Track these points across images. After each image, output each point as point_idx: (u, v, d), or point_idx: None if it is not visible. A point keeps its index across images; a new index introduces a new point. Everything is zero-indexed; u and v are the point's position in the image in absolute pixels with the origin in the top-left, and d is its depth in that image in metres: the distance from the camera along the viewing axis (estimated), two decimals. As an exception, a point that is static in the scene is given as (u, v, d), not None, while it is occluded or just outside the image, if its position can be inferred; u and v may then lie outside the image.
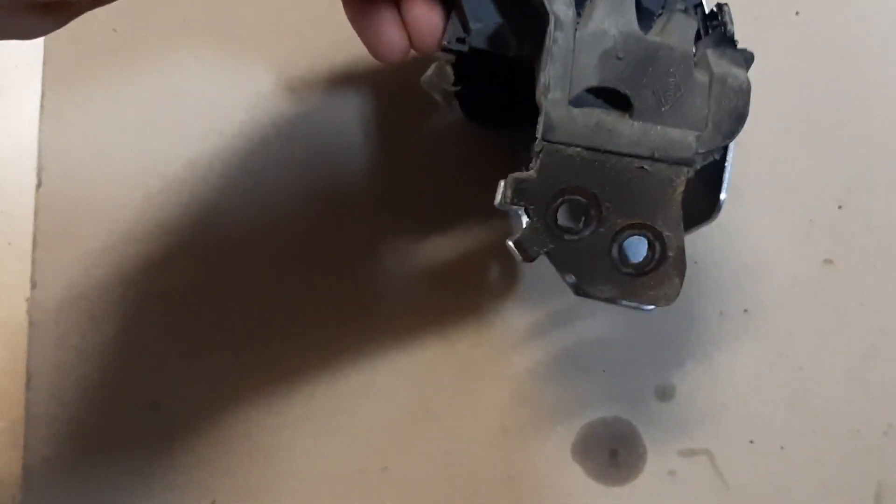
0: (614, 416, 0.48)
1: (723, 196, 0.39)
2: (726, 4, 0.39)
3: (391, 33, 0.37)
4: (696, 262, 0.50)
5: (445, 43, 0.38)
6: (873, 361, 0.49)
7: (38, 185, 0.48)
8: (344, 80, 0.49)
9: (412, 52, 0.38)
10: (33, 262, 0.47)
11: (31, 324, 0.47)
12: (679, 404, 0.48)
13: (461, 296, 0.49)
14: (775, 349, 0.49)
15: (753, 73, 0.38)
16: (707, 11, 0.39)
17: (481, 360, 0.48)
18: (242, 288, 0.48)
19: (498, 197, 0.36)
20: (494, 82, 0.45)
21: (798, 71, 0.52)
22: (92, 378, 0.47)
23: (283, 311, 0.48)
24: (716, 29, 0.39)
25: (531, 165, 0.36)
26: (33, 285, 0.47)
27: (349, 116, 0.50)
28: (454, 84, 0.46)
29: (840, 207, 0.51)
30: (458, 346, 0.48)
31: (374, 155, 0.50)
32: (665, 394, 0.48)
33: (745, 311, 0.49)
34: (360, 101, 0.50)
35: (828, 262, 0.50)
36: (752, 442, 0.48)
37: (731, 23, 0.39)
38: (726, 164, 0.39)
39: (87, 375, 0.47)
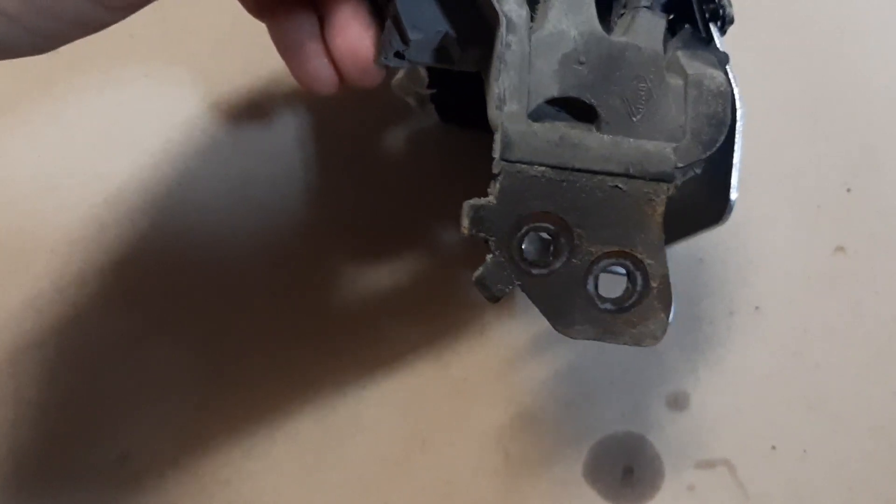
0: (626, 432, 0.45)
1: (733, 196, 0.36)
2: (724, -17, 0.35)
3: (318, 67, 0.34)
4: (701, 260, 0.46)
5: (383, 59, 0.33)
6: (891, 352, 0.47)
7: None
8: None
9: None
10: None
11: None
12: (693, 413, 0.45)
13: (452, 314, 0.45)
14: (790, 347, 0.46)
15: (748, 57, 0.35)
16: None
17: (478, 381, 0.45)
18: (211, 321, 0.44)
19: (462, 226, 0.32)
20: (472, 81, 0.42)
21: (794, 51, 0.49)
22: (54, 434, 0.43)
23: (257, 345, 0.44)
24: (709, 10, 0.36)
25: (489, 189, 0.32)
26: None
27: (316, 127, 0.46)
28: (429, 87, 0.42)
29: (849, 191, 0.48)
30: (452, 368, 0.45)
31: (346, 167, 0.46)
32: (678, 403, 0.45)
33: (757, 308, 0.46)
34: (325, 109, 0.46)
35: (839, 249, 0.47)
36: (773, 448, 0.45)
37: (730, 4, 0.35)
38: (734, 160, 0.36)
39: (49, 431, 0.43)
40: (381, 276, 0.46)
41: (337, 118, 0.47)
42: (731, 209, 0.36)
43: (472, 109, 0.44)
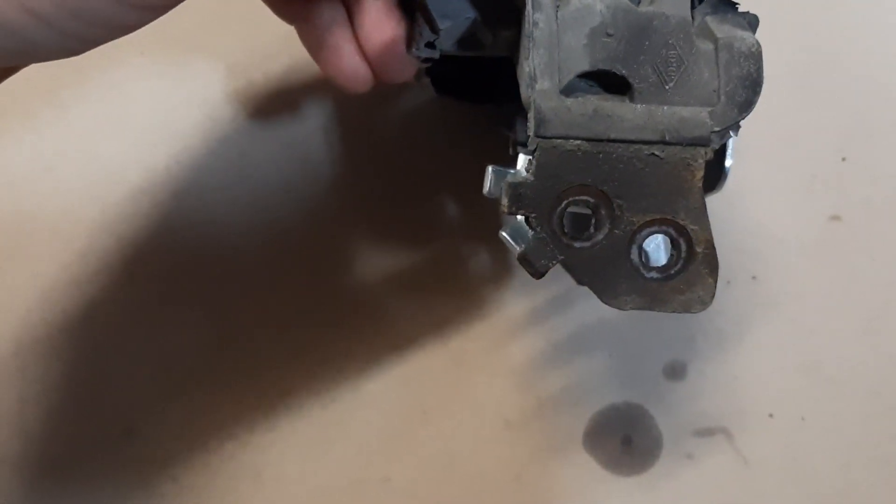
0: (624, 402, 0.45)
1: (728, 163, 0.36)
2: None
3: (353, 65, 0.34)
4: (696, 230, 0.47)
5: (415, 51, 0.34)
6: (888, 318, 0.47)
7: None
8: (300, 71, 0.46)
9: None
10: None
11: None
12: (691, 382, 0.46)
13: (451, 287, 0.46)
14: (787, 315, 0.47)
15: None
16: None
17: (478, 353, 0.45)
18: (214, 298, 0.45)
19: (486, 186, 0.33)
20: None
21: (786, 17, 0.49)
22: (60, 410, 0.43)
23: (260, 321, 0.45)
24: None
25: (526, 168, 0.32)
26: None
27: (311, 108, 0.46)
28: (424, 60, 0.42)
29: (843, 159, 0.48)
30: (452, 340, 0.45)
31: (343, 146, 0.46)
32: (675, 373, 0.46)
33: (753, 277, 0.47)
34: (321, 90, 0.47)
35: (834, 218, 0.47)
36: (771, 416, 0.45)
37: None
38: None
39: (55, 408, 0.43)
40: (380, 253, 0.46)
41: (335, 94, 0.47)
42: (725, 177, 0.37)
43: (466, 81, 0.44)
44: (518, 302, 0.46)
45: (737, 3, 0.34)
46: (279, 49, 0.46)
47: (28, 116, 0.45)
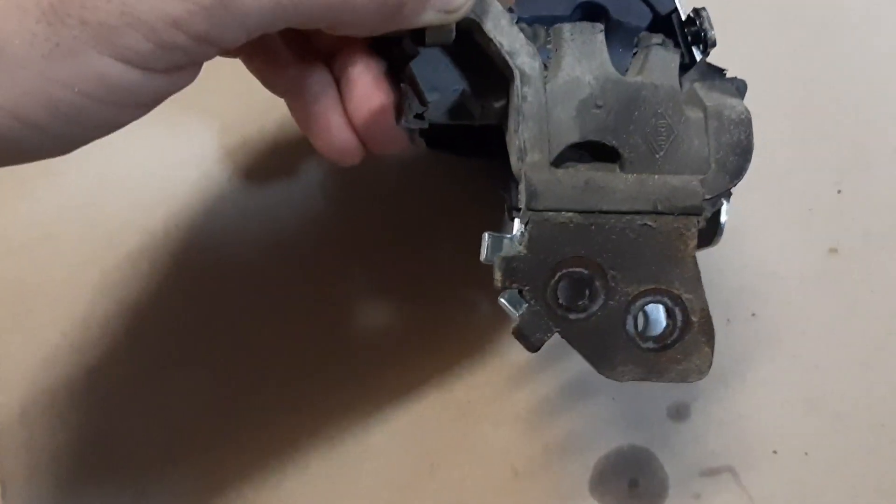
0: (630, 445, 0.45)
1: (723, 219, 0.36)
2: (704, 9, 0.35)
3: (342, 139, 0.34)
4: (695, 270, 0.47)
5: (404, 122, 0.34)
6: (889, 349, 0.47)
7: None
8: (295, 128, 0.46)
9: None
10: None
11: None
12: (695, 423, 0.46)
13: (452, 337, 0.46)
14: (788, 351, 0.47)
15: (730, 60, 0.35)
16: (683, 18, 0.36)
17: (481, 402, 0.45)
18: (217, 359, 0.45)
19: (483, 253, 0.33)
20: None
21: (777, 52, 0.49)
22: (69, 478, 0.44)
23: (263, 378, 0.45)
24: (691, 34, 0.36)
25: (519, 239, 0.32)
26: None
27: (307, 164, 0.46)
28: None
29: (839, 192, 0.48)
30: (456, 391, 0.45)
31: (340, 200, 0.47)
32: (679, 414, 0.46)
33: (753, 314, 0.47)
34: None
35: (832, 251, 0.47)
36: (775, 452, 0.46)
37: (711, 27, 0.35)
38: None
39: (63, 476, 0.44)
40: (380, 305, 0.46)
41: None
42: (721, 232, 0.37)
43: (457, 139, 0.44)
44: (520, 349, 0.45)
45: (724, 70, 0.34)
46: (273, 105, 0.46)
47: (23, 184, 0.46)
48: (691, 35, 0.36)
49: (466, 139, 0.44)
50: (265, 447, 0.45)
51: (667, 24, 0.36)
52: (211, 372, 0.45)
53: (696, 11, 0.35)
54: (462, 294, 0.46)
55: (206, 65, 0.30)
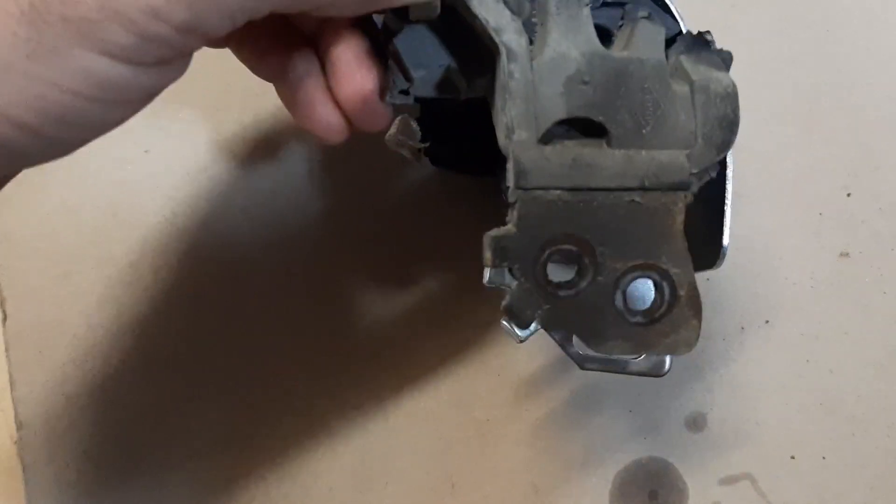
0: (648, 456, 0.46)
1: (725, 242, 0.36)
2: (709, 32, 0.35)
3: (326, 115, 0.34)
4: (707, 279, 0.47)
5: (389, 99, 0.34)
6: (904, 349, 0.47)
7: (4, 318, 0.45)
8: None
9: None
10: (14, 402, 0.44)
11: (25, 467, 0.44)
12: (712, 431, 0.46)
13: (470, 356, 0.46)
14: (802, 356, 0.47)
15: (734, 67, 0.35)
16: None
17: (500, 421, 0.46)
18: (234, 385, 0.46)
19: (485, 259, 0.33)
20: (465, 128, 0.42)
21: (781, 57, 0.49)
22: (92, 479, 0.44)
23: (282, 407, 0.46)
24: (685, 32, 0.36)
25: (508, 218, 0.32)
26: (19, 426, 0.44)
27: (323, 168, 0.47)
28: (422, 140, 0.43)
29: (848, 195, 0.48)
30: (475, 410, 0.46)
31: (352, 220, 0.47)
32: (696, 423, 0.46)
33: (767, 321, 0.47)
34: (330, 150, 0.47)
35: (843, 255, 0.48)
36: (792, 457, 0.46)
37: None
38: (726, 207, 0.36)
39: (86, 476, 0.44)
40: (398, 325, 0.47)
41: (343, 165, 0.47)
42: (724, 255, 0.37)
43: (462, 158, 0.44)
44: (536, 366, 0.46)
45: (710, 41, 0.34)
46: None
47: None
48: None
49: (471, 157, 0.44)
50: (287, 473, 0.45)
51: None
52: (227, 401, 0.46)
53: (701, 35, 0.35)
54: (478, 313, 0.47)
55: (198, 56, 0.30)
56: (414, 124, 0.42)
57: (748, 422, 0.46)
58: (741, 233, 0.47)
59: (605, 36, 0.36)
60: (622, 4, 0.35)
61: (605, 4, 0.35)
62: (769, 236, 0.48)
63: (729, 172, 0.36)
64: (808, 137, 0.48)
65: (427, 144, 0.42)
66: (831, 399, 0.47)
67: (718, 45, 0.35)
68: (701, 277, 0.47)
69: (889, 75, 0.49)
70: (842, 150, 0.48)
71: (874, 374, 0.47)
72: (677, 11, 0.36)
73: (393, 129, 0.43)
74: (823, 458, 0.46)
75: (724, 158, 0.35)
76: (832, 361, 0.47)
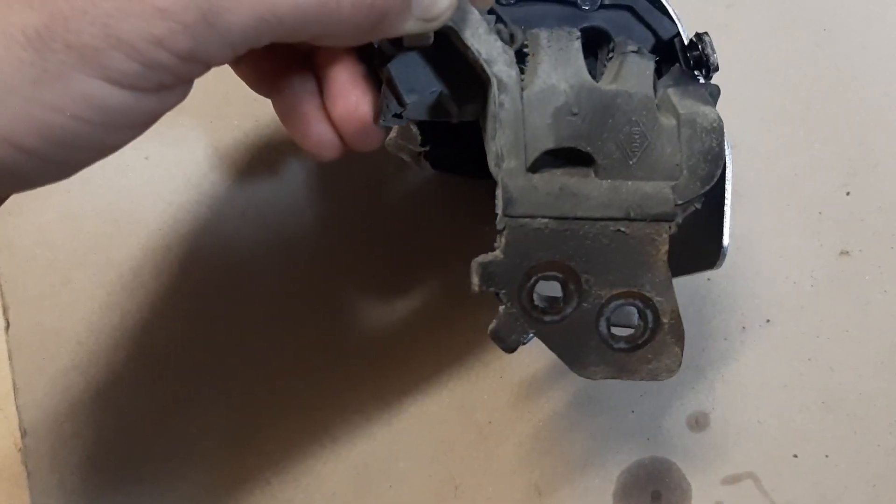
0: (651, 457, 0.46)
1: (725, 242, 0.36)
2: (706, 34, 0.35)
3: (320, 133, 0.34)
4: (708, 279, 0.47)
5: (382, 122, 0.34)
6: (905, 346, 0.47)
7: (7, 326, 0.45)
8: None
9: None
10: (18, 409, 0.44)
11: (30, 474, 0.44)
12: (715, 431, 0.46)
13: (471, 360, 0.46)
14: (803, 354, 0.47)
15: (732, 66, 0.35)
16: (686, 42, 0.36)
17: (502, 423, 0.46)
18: (237, 390, 0.46)
19: (473, 284, 0.33)
20: (465, 132, 0.42)
21: (778, 56, 0.49)
22: (94, 480, 0.45)
23: (286, 412, 0.46)
24: (693, 58, 0.36)
25: (495, 244, 0.33)
26: (23, 433, 0.44)
27: (322, 177, 0.47)
28: (421, 144, 0.43)
29: (848, 193, 0.48)
30: (477, 413, 0.46)
31: (353, 224, 0.47)
32: (699, 423, 0.46)
33: (768, 320, 0.47)
34: (328, 164, 0.47)
35: (843, 253, 0.48)
36: (795, 456, 0.46)
37: (714, 52, 0.36)
38: (726, 207, 0.36)
39: (89, 476, 0.45)
40: (399, 329, 0.47)
41: (342, 170, 0.47)
42: (724, 255, 0.37)
43: (463, 161, 0.44)
44: (538, 368, 0.46)
45: (698, 76, 0.35)
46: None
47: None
48: (693, 60, 0.36)
49: (471, 160, 0.44)
50: (290, 479, 0.45)
51: (669, 49, 0.36)
52: (228, 406, 0.46)
53: (699, 36, 0.35)
54: (478, 316, 0.47)
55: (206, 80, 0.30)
56: (414, 128, 0.42)
57: (750, 421, 0.46)
58: (741, 233, 0.47)
59: (603, 39, 0.36)
60: (621, 7, 0.36)
61: (602, 6, 0.35)
62: (769, 236, 0.48)
63: (729, 172, 0.36)
64: (807, 137, 0.48)
65: (427, 148, 0.43)
66: (833, 397, 0.47)
67: (717, 46, 0.35)
68: (701, 277, 0.48)
69: (887, 74, 0.49)
70: (841, 149, 0.48)
71: (875, 372, 0.47)
72: (674, 12, 0.36)
73: (393, 134, 0.43)
74: (826, 456, 0.46)
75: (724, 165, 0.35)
76: (833, 359, 0.47)
